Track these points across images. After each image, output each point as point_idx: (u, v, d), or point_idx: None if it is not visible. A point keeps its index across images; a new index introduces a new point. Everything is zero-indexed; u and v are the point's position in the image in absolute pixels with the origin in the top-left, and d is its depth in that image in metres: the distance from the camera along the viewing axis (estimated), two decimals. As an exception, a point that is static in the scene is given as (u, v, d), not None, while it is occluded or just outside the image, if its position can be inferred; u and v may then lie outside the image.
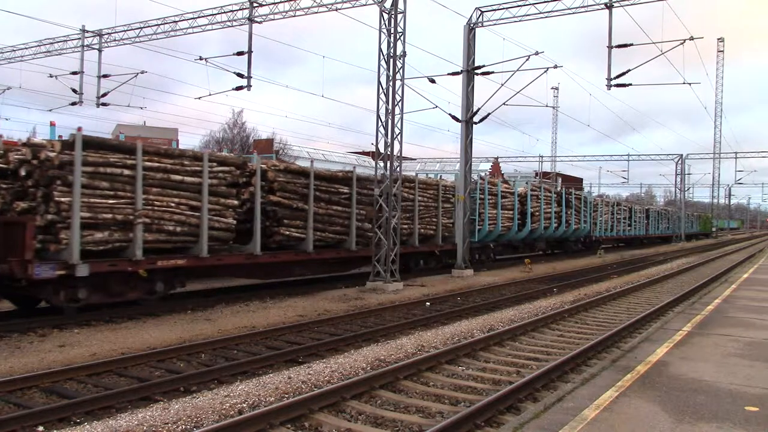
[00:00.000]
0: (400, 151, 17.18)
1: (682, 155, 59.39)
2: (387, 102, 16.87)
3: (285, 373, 7.58)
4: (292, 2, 19.37)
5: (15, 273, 10.06)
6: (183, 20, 21.86)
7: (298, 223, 15.12)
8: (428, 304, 14.27)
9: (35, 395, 6.94)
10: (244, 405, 6.25)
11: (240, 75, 20.13)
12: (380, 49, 16.84)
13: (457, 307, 13.80)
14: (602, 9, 18.81)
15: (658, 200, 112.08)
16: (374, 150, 17.51)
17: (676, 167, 59.91)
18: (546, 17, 19.81)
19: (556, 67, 20.38)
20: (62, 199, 10.31)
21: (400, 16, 16.82)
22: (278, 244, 14.69)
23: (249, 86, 20.31)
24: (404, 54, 17.02)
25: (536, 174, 57.23)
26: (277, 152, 37.87)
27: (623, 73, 19.29)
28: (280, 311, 12.59)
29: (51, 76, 24.77)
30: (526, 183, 32.31)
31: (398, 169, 17.21)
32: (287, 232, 14.78)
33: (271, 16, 19.93)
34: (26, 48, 25.33)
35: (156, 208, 11.72)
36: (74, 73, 24.53)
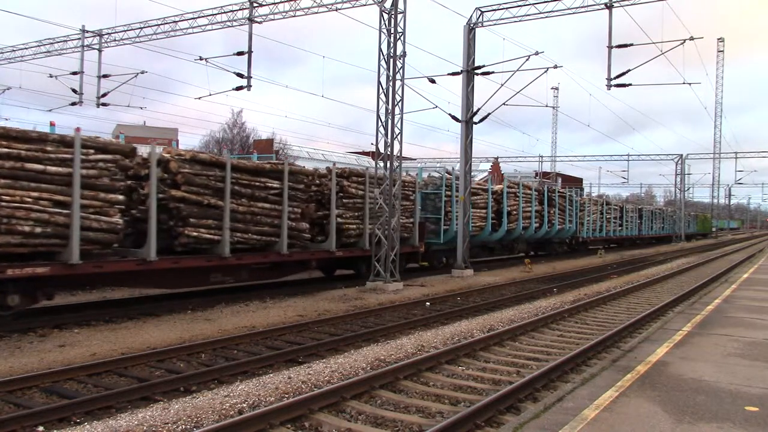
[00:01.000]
0: (400, 151, 17.18)
1: (682, 155, 59.47)
2: (387, 102, 16.87)
3: (285, 373, 7.58)
4: (292, 2, 19.37)
5: None
6: (183, 20, 21.87)
7: (211, 223, 12.83)
8: (428, 304, 14.28)
9: (35, 395, 6.93)
10: (244, 405, 6.25)
11: (240, 75, 20.13)
12: (380, 49, 16.84)
13: (457, 307, 13.81)
14: (602, 9, 18.81)
15: (658, 200, 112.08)
16: (374, 150, 17.51)
17: (676, 167, 59.99)
18: (546, 17, 19.81)
19: (556, 67, 20.38)
20: None
21: (400, 16, 16.83)
22: (185, 246, 12.58)
23: (249, 86, 20.30)
24: (404, 54, 17.03)
25: (536, 174, 57.27)
26: (277, 152, 37.87)
27: (623, 73, 19.29)
28: (280, 311, 12.59)
29: (51, 76, 24.76)
30: (504, 180, 28.95)
31: (398, 169, 17.21)
32: (195, 233, 12.52)
33: (271, 16, 19.93)
34: (26, 48, 25.34)
35: (4, 204, 9.55)
36: (74, 73, 24.51)
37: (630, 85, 19.42)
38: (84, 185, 10.54)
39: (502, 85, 20.95)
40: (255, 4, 19.94)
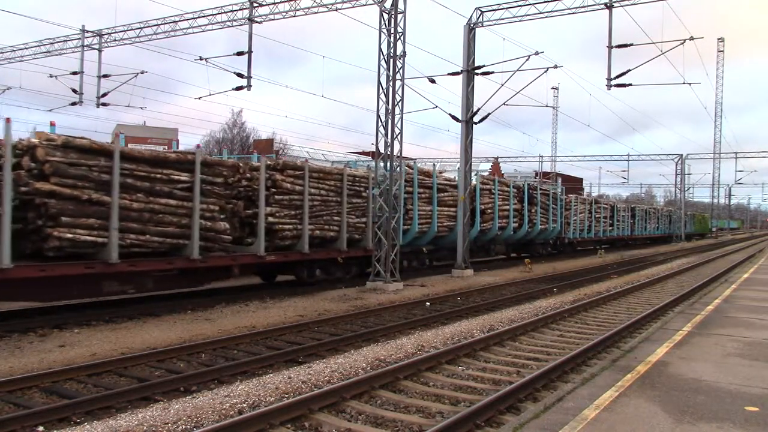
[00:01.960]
0: (400, 151, 17.18)
1: (682, 155, 59.53)
2: (387, 102, 16.87)
3: (285, 373, 7.58)
4: (292, 2, 19.39)
5: None
6: (183, 20, 21.89)
7: (93, 222, 10.64)
8: (428, 304, 14.28)
9: (35, 395, 6.94)
10: (244, 405, 6.25)
11: (240, 75, 20.14)
12: (380, 49, 16.85)
13: (457, 307, 13.81)
14: (602, 9, 18.82)
15: (659, 200, 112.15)
16: (374, 150, 17.51)
17: (676, 167, 60.02)
18: (546, 17, 19.82)
19: (556, 67, 20.39)
20: None
21: (400, 16, 16.84)
22: (58, 251, 10.36)
23: (249, 86, 20.32)
24: (404, 54, 17.04)
25: (536, 174, 57.25)
26: (277, 152, 37.88)
27: (623, 73, 19.30)
28: (280, 311, 12.60)
29: (51, 76, 24.80)
30: (476, 174, 25.80)
31: (398, 168, 17.21)
32: (70, 235, 10.30)
33: (271, 16, 19.94)
34: (26, 48, 25.36)
35: None
36: (74, 73, 24.54)
37: (630, 85, 19.45)
38: None
39: (502, 85, 20.97)
40: (255, 4, 19.96)
